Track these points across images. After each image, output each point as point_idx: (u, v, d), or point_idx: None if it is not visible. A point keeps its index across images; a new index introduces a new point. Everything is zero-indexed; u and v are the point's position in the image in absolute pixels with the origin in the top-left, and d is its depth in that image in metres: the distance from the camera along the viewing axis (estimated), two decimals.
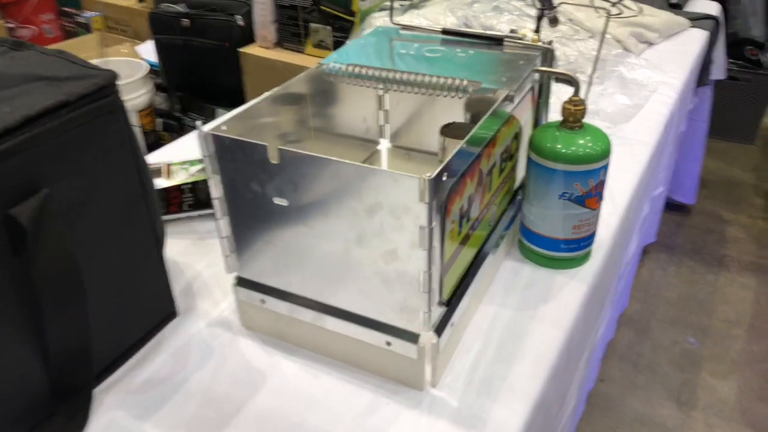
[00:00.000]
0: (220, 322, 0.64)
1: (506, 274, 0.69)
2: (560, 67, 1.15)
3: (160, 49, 1.76)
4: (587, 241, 0.69)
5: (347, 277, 0.53)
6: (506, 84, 0.57)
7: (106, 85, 0.49)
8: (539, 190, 0.66)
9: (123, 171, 0.53)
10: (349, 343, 0.56)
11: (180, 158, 0.80)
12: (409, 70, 0.56)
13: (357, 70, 0.58)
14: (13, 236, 0.44)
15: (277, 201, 0.52)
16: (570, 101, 0.62)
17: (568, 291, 0.67)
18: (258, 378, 0.57)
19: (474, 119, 0.67)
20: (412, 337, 0.53)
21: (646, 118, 1.05)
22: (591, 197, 0.65)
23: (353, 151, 0.76)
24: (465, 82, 0.54)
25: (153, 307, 0.61)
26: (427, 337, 0.53)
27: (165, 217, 0.74)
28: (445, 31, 0.67)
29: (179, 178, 0.76)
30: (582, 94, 0.62)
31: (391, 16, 0.67)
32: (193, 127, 0.72)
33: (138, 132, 1.81)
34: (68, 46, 2.16)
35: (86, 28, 2.43)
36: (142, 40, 2.17)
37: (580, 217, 0.66)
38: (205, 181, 0.73)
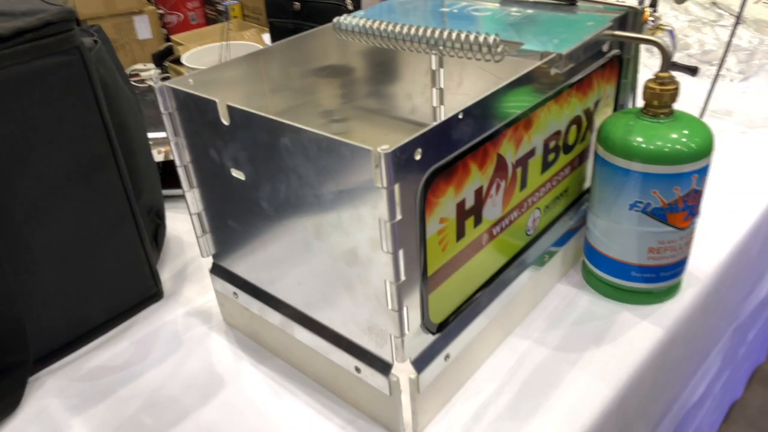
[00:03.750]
0: (200, 312, 0.55)
1: (555, 301, 0.54)
2: (694, 57, 0.94)
3: (273, 32, 1.76)
4: (671, 270, 0.51)
5: (310, 277, 0.41)
6: (557, 46, 0.43)
7: (54, 22, 0.42)
8: (606, 197, 0.49)
9: (80, 124, 0.46)
10: (320, 361, 0.45)
11: None
12: (425, 26, 0.44)
13: (368, 24, 0.47)
14: None
15: (235, 174, 0.42)
16: (655, 78, 0.46)
17: (636, 334, 0.50)
18: (215, 385, 0.48)
19: None
20: (383, 367, 0.40)
21: None
22: (676, 211, 0.47)
23: (392, 136, 0.64)
24: (493, 39, 0.40)
25: (127, 287, 0.54)
26: (404, 369, 0.40)
27: (174, 191, 0.67)
28: None
29: None
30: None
31: None
32: None
33: None
34: (201, 32, 2.25)
35: (226, 16, 2.53)
36: None
37: (659, 237, 0.49)
38: None
